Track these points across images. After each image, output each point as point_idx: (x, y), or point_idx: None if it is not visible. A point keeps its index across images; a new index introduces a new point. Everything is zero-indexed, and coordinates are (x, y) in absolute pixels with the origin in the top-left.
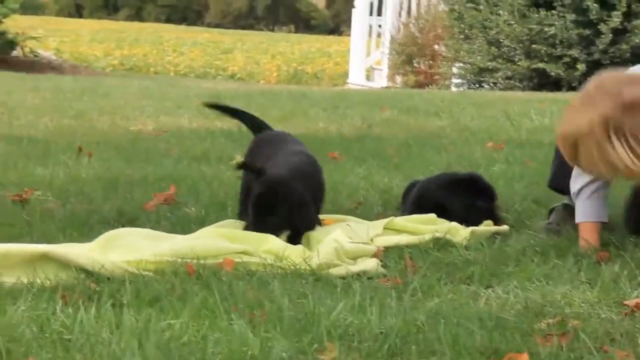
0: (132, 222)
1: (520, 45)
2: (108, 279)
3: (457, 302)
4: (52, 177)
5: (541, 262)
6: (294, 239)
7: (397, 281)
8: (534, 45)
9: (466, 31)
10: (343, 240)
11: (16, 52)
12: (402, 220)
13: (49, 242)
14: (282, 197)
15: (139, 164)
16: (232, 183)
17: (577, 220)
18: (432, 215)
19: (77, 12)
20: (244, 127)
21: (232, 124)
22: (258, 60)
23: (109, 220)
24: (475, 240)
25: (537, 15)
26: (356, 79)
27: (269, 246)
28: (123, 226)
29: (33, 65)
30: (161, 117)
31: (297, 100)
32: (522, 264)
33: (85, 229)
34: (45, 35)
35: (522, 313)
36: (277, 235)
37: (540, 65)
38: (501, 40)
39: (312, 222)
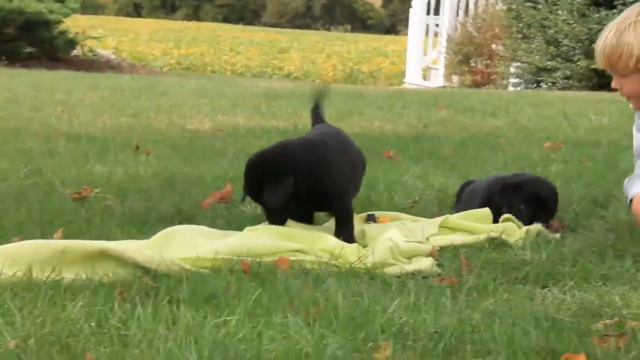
0: (189, 219)
1: (580, 44)
2: (165, 275)
3: (513, 302)
4: (110, 174)
5: (598, 263)
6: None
7: (452, 280)
8: (593, 45)
9: (524, 30)
10: (398, 239)
11: (76, 52)
12: (457, 219)
13: (107, 239)
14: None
15: (195, 162)
16: None
17: (631, 194)
18: (487, 211)
19: (136, 11)
20: (299, 126)
21: (287, 122)
22: (314, 60)
23: (166, 217)
24: (530, 239)
25: (597, 15)
26: (413, 79)
27: (325, 245)
28: (180, 224)
29: (92, 64)
30: (218, 115)
31: (353, 100)
32: (579, 264)
33: (143, 226)
34: (105, 34)
35: (578, 313)
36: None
37: None
38: (560, 40)
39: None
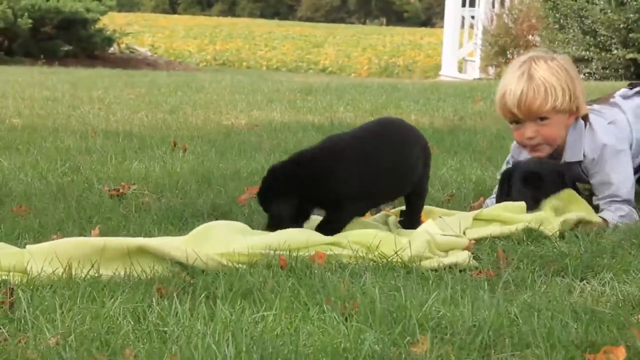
0: (226, 215)
1: (617, 34)
2: (202, 271)
3: (551, 294)
4: (147, 171)
5: (638, 254)
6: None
7: (489, 273)
8: (631, 35)
9: (561, 21)
10: (435, 233)
11: (113, 49)
12: (491, 210)
13: (144, 235)
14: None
15: (232, 158)
16: None
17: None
18: (522, 204)
19: (172, 8)
20: (335, 121)
21: (323, 117)
22: (349, 54)
23: (202, 213)
24: (565, 228)
25: (635, 3)
26: (448, 71)
27: (359, 237)
28: (216, 219)
29: (129, 62)
30: (253, 111)
31: (389, 93)
32: (618, 256)
33: (179, 222)
34: (141, 31)
35: (618, 306)
36: None
37: (638, 55)
38: (597, 30)
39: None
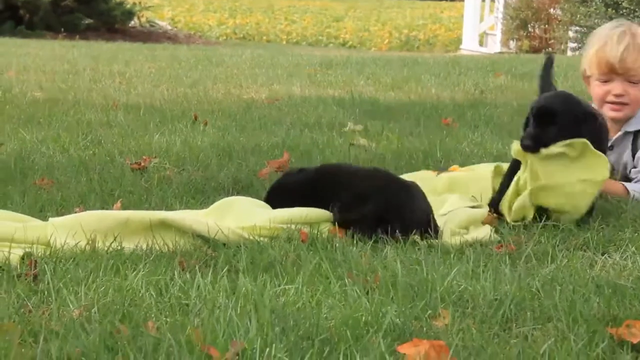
0: (247, 189)
1: None
2: (224, 245)
3: (573, 268)
4: (169, 145)
5: None
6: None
7: (511, 247)
8: None
9: None
10: (457, 208)
11: (133, 23)
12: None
13: (166, 208)
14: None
15: (252, 132)
16: (344, 150)
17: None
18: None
19: None
20: (355, 94)
21: (343, 91)
22: (369, 28)
23: (223, 187)
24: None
25: None
26: (469, 45)
27: None
28: (237, 193)
29: (149, 35)
30: (274, 85)
31: (410, 67)
32: None
33: (201, 196)
34: (161, 5)
35: None
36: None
37: None
38: (619, 2)
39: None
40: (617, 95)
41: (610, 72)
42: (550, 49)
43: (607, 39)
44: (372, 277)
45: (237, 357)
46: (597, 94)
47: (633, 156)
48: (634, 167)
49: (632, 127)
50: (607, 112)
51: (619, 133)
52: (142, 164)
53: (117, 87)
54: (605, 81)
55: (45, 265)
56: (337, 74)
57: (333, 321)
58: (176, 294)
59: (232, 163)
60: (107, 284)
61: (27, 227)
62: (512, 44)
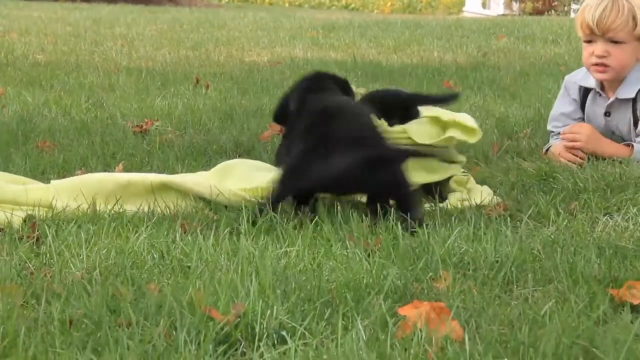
0: (248, 152)
1: None
2: (225, 207)
3: (574, 230)
4: (170, 108)
5: None
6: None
7: (511, 209)
8: None
9: None
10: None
11: None
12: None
13: (168, 171)
14: None
15: (254, 95)
16: None
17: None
18: None
19: None
20: (358, 57)
21: (345, 54)
22: None
23: (225, 150)
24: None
25: None
26: (472, 7)
27: None
28: (239, 156)
29: None
30: (276, 48)
31: (412, 30)
32: None
33: (203, 158)
34: None
35: None
36: None
37: None
38: None
39: None
40: (599, 56)
41: (592, 34)
42: (553, 10)
43: (590, 1)
44: (373, 240)
45: (238, 319)
46: (584, 56)
47: (635, 124)
48: (637, 135)
49: (623, 94)
50: (593, 74)
51: (612, 99)
52: (144, 126)
53: (118, 49)
54: (589, 42)
55: (47, 228)
56: (340, 36)
57: (334, 283)
58: (178, 257)
59: (234, 126)
60: (108, 247)
61: (28, 189)
62: (515, 5)
